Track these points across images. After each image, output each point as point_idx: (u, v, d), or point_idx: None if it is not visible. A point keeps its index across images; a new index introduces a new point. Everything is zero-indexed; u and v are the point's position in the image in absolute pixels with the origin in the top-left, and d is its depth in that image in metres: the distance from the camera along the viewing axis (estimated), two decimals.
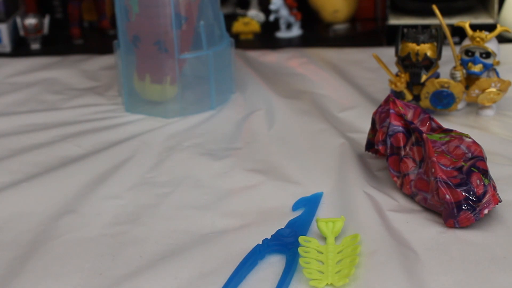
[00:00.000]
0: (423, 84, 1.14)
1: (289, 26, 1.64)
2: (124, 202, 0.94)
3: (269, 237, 0.83)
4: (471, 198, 0.85)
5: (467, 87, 1.15)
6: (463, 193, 0.85)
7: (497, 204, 0.86)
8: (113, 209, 0.93)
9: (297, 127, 1.15)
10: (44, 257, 0.83)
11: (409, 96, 1.15)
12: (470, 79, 1.15)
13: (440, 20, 1.13)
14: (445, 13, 1.40)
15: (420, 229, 0.86)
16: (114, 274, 0.79)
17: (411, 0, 1.53)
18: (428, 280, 0.76)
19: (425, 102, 1.15)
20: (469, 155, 0.90)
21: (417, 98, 1.16)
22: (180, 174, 1.01)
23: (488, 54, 1.12)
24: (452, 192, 0.85)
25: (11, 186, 0.99)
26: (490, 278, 0.77)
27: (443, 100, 1.14)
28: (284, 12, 1.61)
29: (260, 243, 0.82)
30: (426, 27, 1.18)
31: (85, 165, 1.04)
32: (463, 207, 0.84)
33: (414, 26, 1.16)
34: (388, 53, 1.31)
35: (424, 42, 1.13)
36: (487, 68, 1.13)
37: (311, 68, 1.41)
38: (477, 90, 1.14)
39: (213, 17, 1.21)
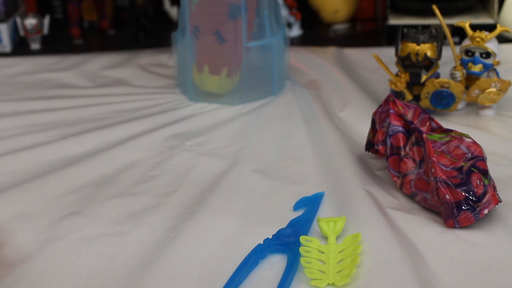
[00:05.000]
0: (423, 84, 1.14)
1: (289, 26, 1.63)
2: (124, 202, 0.94)
3: (270, 236, 0.83)
4: (471, 198, 0.85)
5: (467, 87, 1.15)
6: (463, 193, 0.85)
7: (497, 204, 0.86)
8: (114, 209, 0.93)
9: (297, 127, 1.14)
10: (44, 257, 0.83)
11: (409, 96, 1.15)
12: (470, 79, 1.15)
13: (440, 20, 1.13)
14: (445, 13, 1.40)
15: (420, 229, 0.86)
16: (114, 274, 0.79)
17: (411, 0, 1.53)
18: (428, 280, 0.76)
19: (425, 102, 1.15)
20: (469, 155, 0.90)
21: (417, 98, 1.16)
22: (181, 173, 1.01)
23: (488, 54, 1.12)
24: (452, 192, 0.85)
25: (11, 186, 0.99)
26: (490, 278, 0.77)
27: (443, 100, 1.14)
28: (284, 12, 1.61)
29: (262, 242, 0.82)
30: (426, 27, 1.18)
31: (86, 165, 1.04)
32: (463, 207, 0.84)
33: (414, 26, 1.16)
34: (388, 53, 1.31)
35: (424, 42, 1.13)
36: (487, 68, 1.13)
37: (311, 67, 1.41)
38: (477, 90, 1.14)
39: (270, 6, 1.23)
